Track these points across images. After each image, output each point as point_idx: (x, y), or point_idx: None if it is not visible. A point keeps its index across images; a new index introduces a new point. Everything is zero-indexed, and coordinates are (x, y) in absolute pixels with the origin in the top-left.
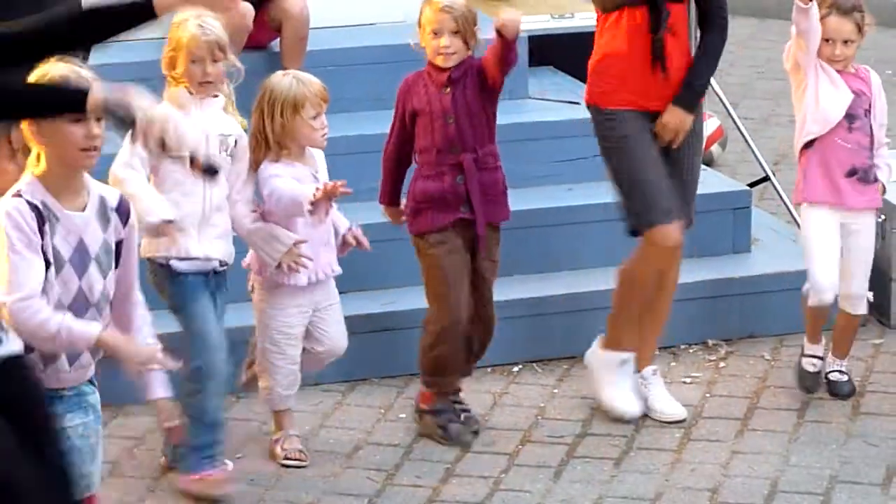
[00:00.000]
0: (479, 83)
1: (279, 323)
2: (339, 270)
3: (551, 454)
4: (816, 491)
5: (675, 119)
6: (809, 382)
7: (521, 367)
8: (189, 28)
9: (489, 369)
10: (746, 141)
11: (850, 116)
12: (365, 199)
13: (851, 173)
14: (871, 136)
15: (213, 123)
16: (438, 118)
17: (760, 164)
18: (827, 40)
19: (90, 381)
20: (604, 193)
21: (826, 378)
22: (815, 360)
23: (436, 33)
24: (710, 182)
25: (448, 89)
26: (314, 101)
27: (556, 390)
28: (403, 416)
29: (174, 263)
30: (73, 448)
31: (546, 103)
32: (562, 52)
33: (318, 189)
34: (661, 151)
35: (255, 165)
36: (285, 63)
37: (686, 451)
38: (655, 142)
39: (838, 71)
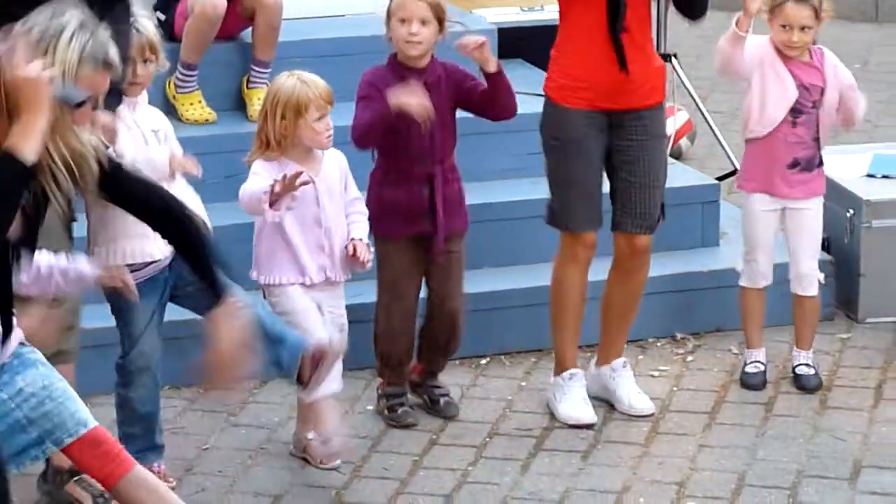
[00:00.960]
0: (453, 94)
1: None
2: (336, 277)
3: (519, 447)
4: (783, 485)
5: None
6: (754, 381)
7: (488, 359)
8: None
9: (457, 362)
10: (715, 134)
11: (795, 111)
12: None
13: (793, 165)
14: (817, 125)
15: (146, 121)
16: (413, 125)
17: (729, 157)
18: (784, 26)
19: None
20: None
21: (793, 372)
22: (758, 364)
23: (404, 20)
24: (678, 176)
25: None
26: (318, 104)
27: (523, 383)
28: (370, 407)
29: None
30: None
31: (517, 96)
32: (531, 45)
33: (275, 181)
34: (619, 157)
35: (249, 161)
36: (257, 53)
37: (653, 445)
38: (604, 145)
39: (791, 59)
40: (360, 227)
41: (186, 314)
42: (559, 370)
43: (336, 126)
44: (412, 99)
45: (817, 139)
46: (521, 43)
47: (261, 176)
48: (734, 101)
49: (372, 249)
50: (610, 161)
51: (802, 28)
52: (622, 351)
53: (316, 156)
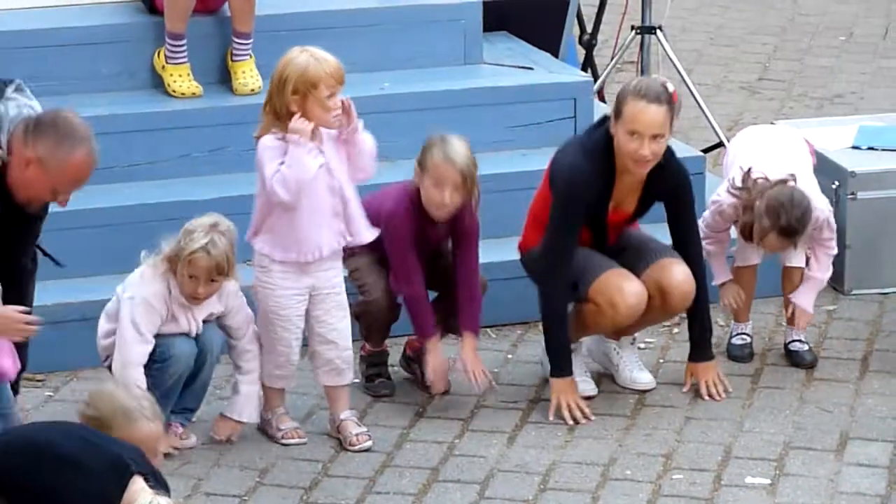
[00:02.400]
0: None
1: (274, 304)
2: (350, 240)
3: (505, 419)
4: (770, 457)
5: (710, 371)
6: (738, 354)
7: None
8: None
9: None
10: (700, 107)
11: None
12: None
13: None
14: None
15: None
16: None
17: (714, 129)
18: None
19: None
20: None
21: (786, 348)
22: (744, 336)
23: (438, 185)
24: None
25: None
26: (328, 82)
27: (510, 356)
28: (357, 381)
29: None
30: None
31: (500, 69)
32: (515, 18)
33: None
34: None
35: (258, 136)
36: (236, 25)
37: (640, 417)
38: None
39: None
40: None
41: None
42: None
43: None
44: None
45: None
46: (505, 16)
47: (275, 160)
48: (719, 74)
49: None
50: None
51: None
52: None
53: (318, 133)
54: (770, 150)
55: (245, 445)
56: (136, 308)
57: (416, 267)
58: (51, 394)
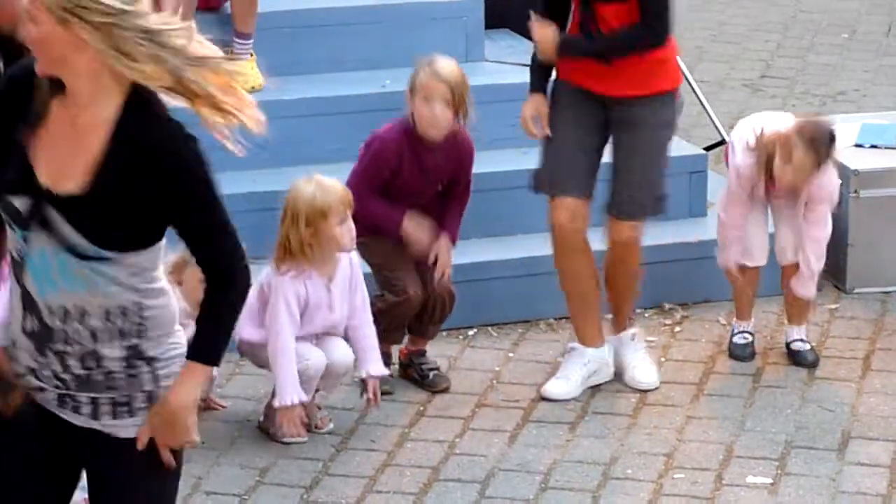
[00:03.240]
0: (451, 166)
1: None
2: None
3: (506, 418)
4: (772, 456)
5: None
6: (740, 353)
7: (476, 330)
8: None
9: (444, 333)
10: (702, 104)
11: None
12: (328, 160)
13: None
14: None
15: None
16: (408, 192)
17: (716, 127)
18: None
19: None
20: None
21: (788, 348)
22: (745, 335)
23: (427, 99)
24: None
25: (428, 171)
26: (338, 209)
27: (511, 354)
28: (357, 380)
29: None
30: None
31: (502, 66)
32: (517, 15)
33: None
34: (612, 141)
35: (275, 269)
36: (237, 26)
37: (641, 416)
38: (599, 121)
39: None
40: (375, 358)
41: None
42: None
43: (329, 97)
44: (419, 240)
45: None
46: (506, 13)
47: (289, 311)
48: (721, 71)
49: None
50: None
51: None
52: (626, 322)
53: (335, 260)
54: (779, 116)
55: (245, 444)
56: None
57: (378, 189)
58: None
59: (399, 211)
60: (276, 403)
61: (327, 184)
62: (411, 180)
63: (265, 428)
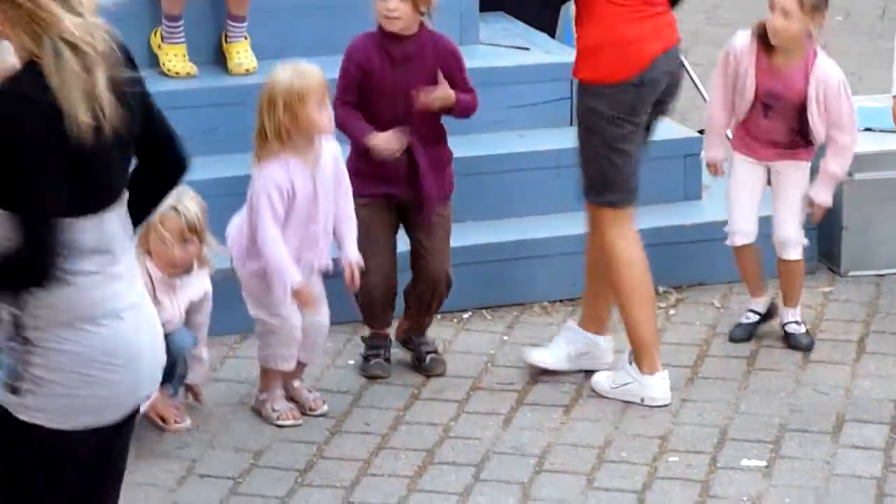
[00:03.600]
0: (438, 65)
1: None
2: (325, 266)
3: (501, 401)
4: (766, 439)
5: None
6: (737, 333)
7: (470, 313)
8: None
9: (438, 316)
10: (697, 87)
11: (765, 106)
12: None
13: (773, 144)
14: (799, 125)
15: (184, 296)
16: (389, 96)
17: None
18: (771, 8)
19: None
20: (554, 139)
21: (783, 330)
22: (750, 314)
23: None
24: (660, 129)
25: (402, 68)
26: (317, 91)
27: (505, 337)
28: (352, 362)
29: None
30: None
31: (497, 49)
32: None
33: (297, 286)
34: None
35: (254, 162)
36: (231, 8)
37: None
38: None
39: (772, 56)
40: (353, 241)
41: None
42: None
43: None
44: (385, 148)
45: (799, 131)
46: None
47: (271, 203)
48: (715, 54)
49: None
50: None
51: (784, 13)
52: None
53: (315, 148)
54: None
55: (239, 427)
56: None
57: (352, 96)
58: None
59: (371, 127)
60: (287, 289)
61: (305, 69)
62: (383, 80)
63: (258, 410)
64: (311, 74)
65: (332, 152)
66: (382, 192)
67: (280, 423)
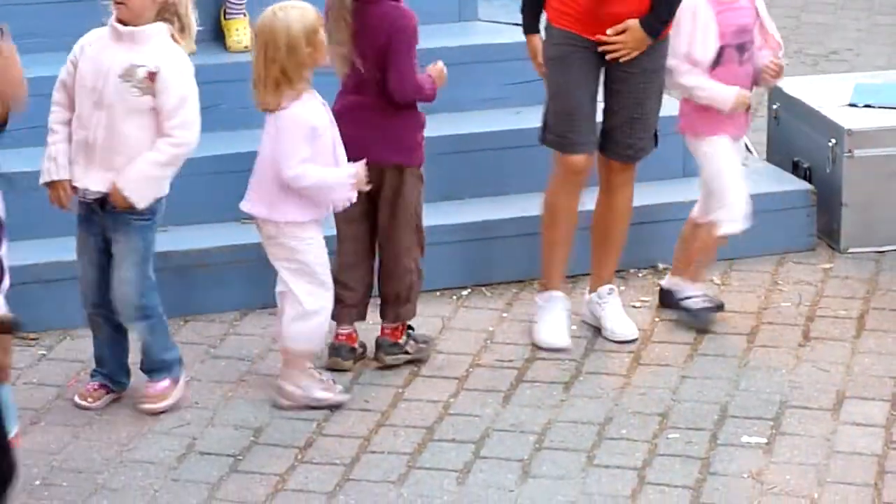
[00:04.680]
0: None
1: (316, 256)
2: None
3: (500, 378)
4: (766, 416)
5: (634, 38)
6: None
7: (469, 290)
8: None
9: (437, 293)
10: None
11: (740, 48)
12: None
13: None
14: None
15: (125, 53)
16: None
17: None
18: None
19: None
20: None
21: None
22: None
23: None
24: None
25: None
26: (320, 21)
27: (505, 314)
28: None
29: None
30: None
31: (496, 26)
32: None
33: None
34: (609, 86)
35: (274, 107)
36: None
37: (635, 376)
38: (600, 73)
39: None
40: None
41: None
42: (541, 287)
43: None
44: None
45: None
46: None
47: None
48: None
49: None
50: (605, 88)
51: None
52: (611, 277)
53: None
54: None
55: (239, 404)
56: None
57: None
58: (44, 352)
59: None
60: (350, 179)
61: (298, 4)
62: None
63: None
64: (309, 6)
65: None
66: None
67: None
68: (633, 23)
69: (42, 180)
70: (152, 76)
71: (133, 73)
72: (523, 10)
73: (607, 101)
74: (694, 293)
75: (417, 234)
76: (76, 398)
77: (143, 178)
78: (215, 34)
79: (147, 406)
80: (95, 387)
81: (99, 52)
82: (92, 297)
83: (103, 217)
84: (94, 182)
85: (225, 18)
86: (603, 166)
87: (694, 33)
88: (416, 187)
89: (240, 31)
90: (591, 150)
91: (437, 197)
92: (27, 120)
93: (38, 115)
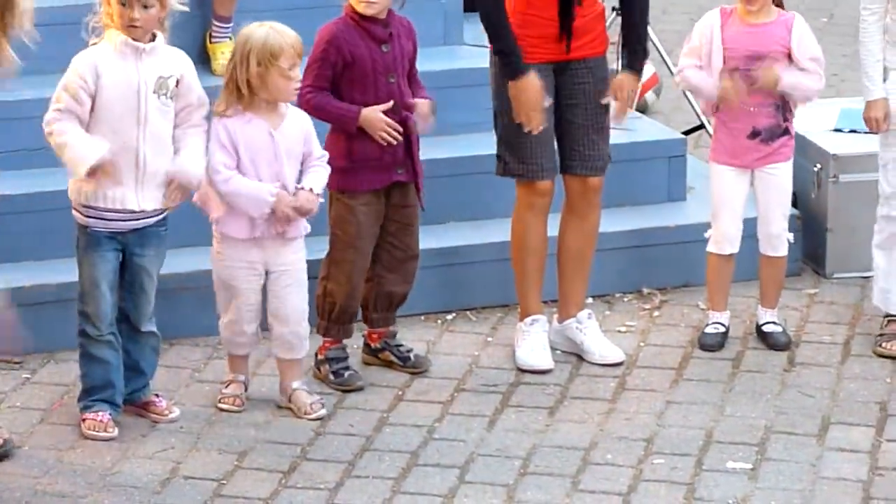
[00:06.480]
0: (412, 46)
1: (226, 275)
2: (298, 233)
3: (485, 403)
4: (751, 441)
5: (632, 87)
6: (711, 342)
7: (454, 315)
8: None
9: (422, 317)
10: (686, 95)
11: (746, 74)
12: None
13: (754, 135)
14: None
15: (150, 67)
16: (381, 76)
17: (695, 111)
18: None
19: None
20: None
21: (760, 330)
22: (718, 325)
23: None
24: (644, 130)
25: (388, 46)
26: (290, 53)
27: (489, 338)
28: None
29: (86, 221)
30: None
31: (481, 50)
32: None
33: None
34: (564, 102)
35: (220, 112)
36: (217, 8)
37: (621, 401)
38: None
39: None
40: (315, 177)
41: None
42: (522, 316)
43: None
44: (378, 119)
45: (780, 106)
46: None
47: (225, 150)
48: None
49: (322, 200)
50: (560, 107)
51: None
52: (583, 302)
53: (279, 111)
54: None
55: (223, 429)
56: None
57: (327, 80)
58: (28, 376)
59: (355, 108)
60: (268, 209)
61: (281, 28)
62: (374, 63)
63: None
64: (287, 34)
65: (300, 121)
66: (378, 184)
67: (220, 406)
68: (624, 77)
69: (87, 165)
70: (178, 83)
71: (165, 85)
72: (511, 53)
73: (566, 117)
74: (766, 319)
75: (328, 258)
76: (91, 433)
77: (198, 156)
78: (202, 57)
79: (166, 417)
80: (107, 419)
81: (122, 71)
82: (111, 316)
83: (126, 236)
84: (149, 201)
85: (210, 42)
86: (572, 189)
87: (699, 50)
88: (336, 210)
89: (225, 55)
90: (555, 174)
91: (421, 221)
92: (12, 143)
93: (24, 138)
